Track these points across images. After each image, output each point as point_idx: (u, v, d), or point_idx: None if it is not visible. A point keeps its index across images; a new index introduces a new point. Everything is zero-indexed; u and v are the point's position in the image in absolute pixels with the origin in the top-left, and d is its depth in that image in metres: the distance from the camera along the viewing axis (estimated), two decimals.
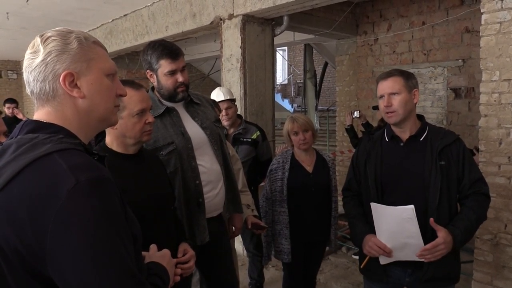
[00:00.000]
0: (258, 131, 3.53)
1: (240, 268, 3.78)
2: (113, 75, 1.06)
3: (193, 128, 2.14)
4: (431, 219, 1.80)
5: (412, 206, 1.78)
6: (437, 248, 1.79)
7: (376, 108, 4.34)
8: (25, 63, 0.98)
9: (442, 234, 1.79)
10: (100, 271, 0.85)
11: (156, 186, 1.76)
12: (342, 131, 6.85)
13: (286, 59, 16.43)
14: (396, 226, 1.84)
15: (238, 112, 3.78)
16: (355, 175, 2.15)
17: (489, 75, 3.04)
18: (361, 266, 2.01)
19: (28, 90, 1.00)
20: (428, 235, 1.82)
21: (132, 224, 1.02)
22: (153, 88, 2.17)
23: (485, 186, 1.96)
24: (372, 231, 1.96)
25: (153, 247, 1.32)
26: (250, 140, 3.47)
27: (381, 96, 1.97)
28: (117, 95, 1.07)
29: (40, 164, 0.88)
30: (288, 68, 16.76)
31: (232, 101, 3.48)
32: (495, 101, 3.02)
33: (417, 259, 1.85)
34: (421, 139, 1.97)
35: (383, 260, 1.95)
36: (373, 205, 1.91)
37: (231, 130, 3.47)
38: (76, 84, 0.98)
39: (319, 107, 9.99)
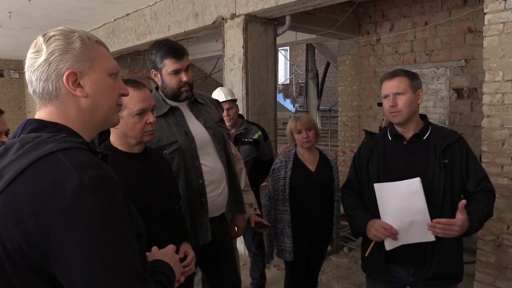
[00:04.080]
0: (259, 131, 3.53)
1: (242, 268, 3.78)
2: (116, 74, 1.06)
3: (196, 128, 2.14)
4: (463, 201, 1.76)
5: (418, 179, 1.77)
6: (451, 227, 1.75)
7: (381, 104, 4.33)
8: (28, 63, 0.98)
9: (462, 217, 1.75)
10: (105, 270, 0.85)
11: (160, 185, 1.76)
12: (344, 131, 6.85)
13: (288, 59, 16.42)
14: (402, 203, 1.82)
15: (240, 112, 3.78)
16: (357, 174, 2.15)
17: (492, 76, 3.03)
18: (366, 254, 1.97)
19: (30, 90, 1.00)
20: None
21: (137, 222, 1.02)
22: (157, 88, 2.17)
23: (490, 185, 1.95)
24: (374, 218, 1.95)
25: (154, 248, 1.31)
26: (251, 140, 3.46)
27: (386, 96, 1.97)
28: (120, 94, 1.08)
29: (44, 163, 0.88)
30: (290, 68, 16.75)
31: (233, 101, 3.47)
32: (498, 101, 3.01)
33: (423, 240, 1.84)
34: (424, 138, 1.98)
35: (389, 245, 1.91)
36: (377, 185, 1.90)
37: (233, 130, 3.46)
38: (79, 84, 0.98)
39: (321, 107, 9.98)
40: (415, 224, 1.84)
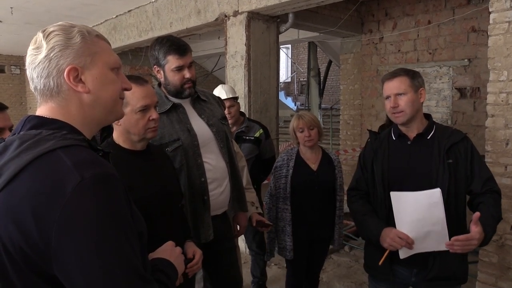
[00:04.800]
0: (261, 129, 3.50)
1: (243, 266, 3.77)
2: (118, 68, 1.04)
3: (199, 125, 2.12)
4: (477, 213, 1.72)
5: (438, 189, 1.73)
6: (470, 242, 1.70)
7: None
8: (28, 60, 0.96)
9: (479, 229, 1.70)
10: (106, 269, 0.84)
11: (163, 182, 1.74)
12: (345, 130, 6.83)
13: (290, 57, 16.38)
14: (420, 213, 1.77)
15: (242, 110, 3.75)
16: (363, 174, 2.12)
17: (496, 75, 3.01)
18: (380, 263, 1.92)
19: (31, 87, 0.98)
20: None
21: (138, 221, 1.00)
22: (159, 84, 2.15)
23: (496, 185, 1.92)
24: (387, 226, 1.91)
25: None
26: (253, 138, 3.44)
27: (388, 97, 1.95)
28: (122, 89, 1.06)
29: (44, 161, 0.86)
30: (292, 66, 16.71)
31: (234, 99, 3.44)
32: (502, 101, 2.99)
33: (438, 249, 1.80)
34: (428, 138, 1.95)
35: (404, 254, 1.87)
36: (393, 193, 1.85)
37: (234, 128, 3.44)
38: (80, 79, 0.96)
39: (323, 106, 9.96)
40: (431, 234, 1.80)
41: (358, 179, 2.15)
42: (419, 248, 1.84)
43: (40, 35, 0.95)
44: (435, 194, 1.73)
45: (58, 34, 0.94)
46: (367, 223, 2.02)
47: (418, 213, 1.79)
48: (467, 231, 1.77)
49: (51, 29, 0.95)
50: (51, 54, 0.93)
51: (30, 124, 0.94)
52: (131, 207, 0.96)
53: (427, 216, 1.77)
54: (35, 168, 0.85)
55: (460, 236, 1.71)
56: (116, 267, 0.85)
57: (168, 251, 1.25)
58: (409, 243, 1.82)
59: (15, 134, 0.95)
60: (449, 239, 1.74)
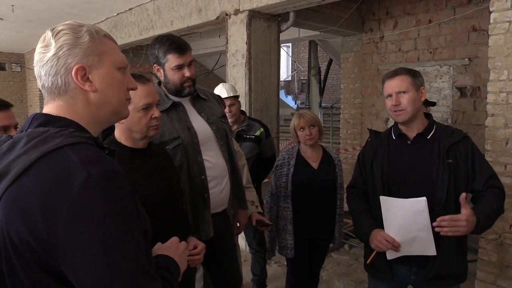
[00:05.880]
0: (261, 128, 3.50)
1: (243, 264, 3.78)
2: (124, 68, 1.05)
3: (199, 123, 2.14)
4: (463, 194, 1.73)
5: (424, 198, 1.76)
6: (457, 222, 1.70)
7: (432, 104, 4.43)
8: (36, 57, 0.97)
9: (467, 211, 1.70)
10: (111, 266, 0.85)
11: (165, 180, 1.75)
12: (346, 129, 6.84)
13: (290, 55, 16.38)
14: (406, 219, 1.82)
15: (243, 108, 3.75)
16: (361, 173, 2.14)
17: (497, 74, 3.02)
18: (367, 262, 1.98)
19: (39, 84, 0.99)
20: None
21: (143, 218, 1.01)
22: (159, 83, 2.16)
23: (499, 183, 1.92)
24: (379, 226, 1.95)
25: (157, 244, 1.30)
26: (253, 137, 3.44)
27: (389, 95, 1.96)
28: (128, 88, 1.07)
29: (51, 158, 0.87)
30: (292, 64, 16.71)
31: (235, 97, 3.45)
32: (502, 100, 3.00)
33: (425, 253, 1.84)
34: (428, 137, 1.96)
35: (390, 255, 1.92)
36: (383, 198, 1.89)
37: (235, 127, 3.44)
38: (88, 78, 0.97)
39: (323, 104, 9.96)
40: (417, 239, 1.84)
41: (356, 178, 2.17)
42: (406, 251, 1.89)
43: (49, 34, 0.96)
44: (420, 203, 1.76)
45: (67, 33, 0.95)
46: (361, 222, 2.07)
47: (404, 219, 1.83)
48: None
49: (60, 27, 0.97)
50: (60, 53, 0.94)
51: (37, 122, 0.96)
52: (136, 204, 0.98)
53: (412, 222, 1.81)
54: (42, 165, 0.86)
55: (446, 216, 1.72)
56: (122, 263, 0.86)
57: (172, 248, 1.26)
58: (395, 246, 1.86)
59: (22, 131, 0.96)
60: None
